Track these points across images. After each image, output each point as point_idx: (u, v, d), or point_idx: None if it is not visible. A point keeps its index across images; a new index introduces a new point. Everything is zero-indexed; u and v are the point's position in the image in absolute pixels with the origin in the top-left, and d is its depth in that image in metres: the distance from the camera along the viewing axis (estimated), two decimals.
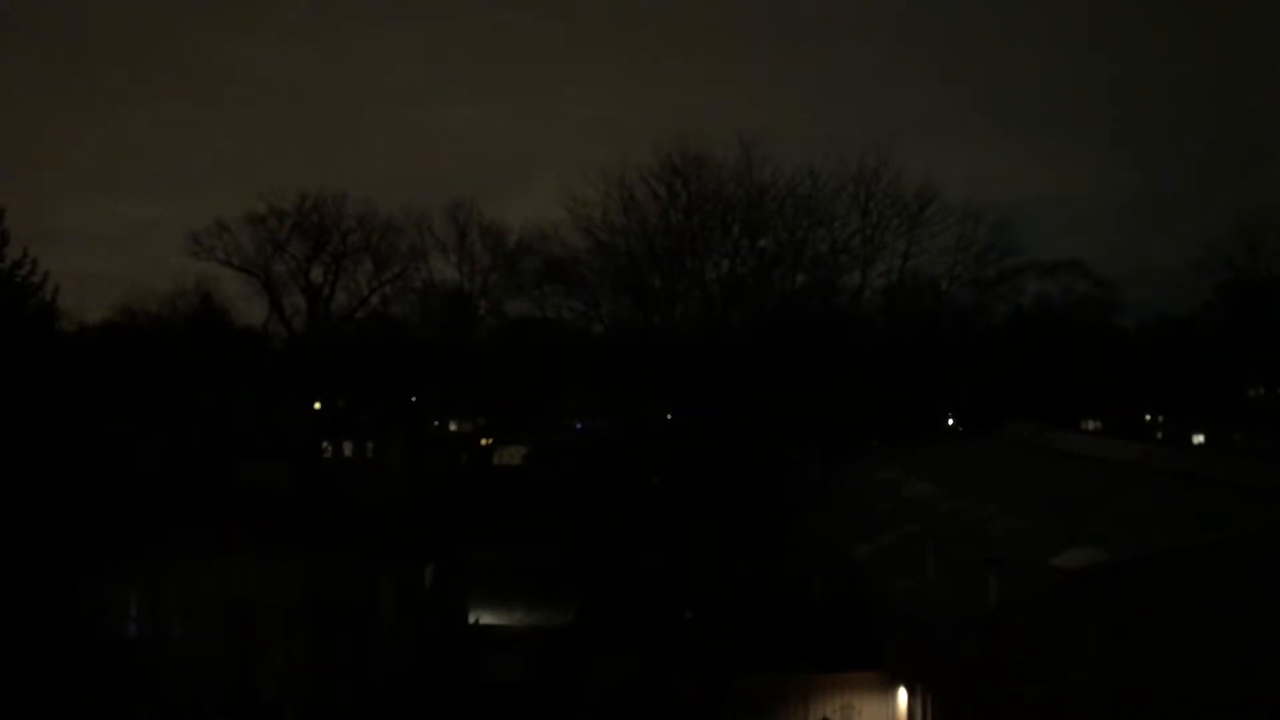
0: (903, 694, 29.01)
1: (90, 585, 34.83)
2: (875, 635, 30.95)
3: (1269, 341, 76.43)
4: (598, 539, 40.46)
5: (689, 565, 33.95)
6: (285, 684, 33.04)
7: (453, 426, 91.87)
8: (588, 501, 43.73)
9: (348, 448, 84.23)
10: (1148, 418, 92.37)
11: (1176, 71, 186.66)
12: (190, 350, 74.26)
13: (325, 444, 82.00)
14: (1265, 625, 23.38)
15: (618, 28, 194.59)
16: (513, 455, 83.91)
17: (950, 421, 76.18)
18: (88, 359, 58.41)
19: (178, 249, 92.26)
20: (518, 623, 41.85)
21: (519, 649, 37.93)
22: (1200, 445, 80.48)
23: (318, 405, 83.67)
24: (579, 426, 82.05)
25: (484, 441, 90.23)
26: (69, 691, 31.04)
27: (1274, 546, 23.99)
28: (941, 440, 61.38)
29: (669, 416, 47.30)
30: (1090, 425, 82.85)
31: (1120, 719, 23.26)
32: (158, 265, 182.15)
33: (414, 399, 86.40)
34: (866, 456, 50.05)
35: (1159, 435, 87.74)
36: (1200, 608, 23.48)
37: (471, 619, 41.36)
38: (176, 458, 60.60)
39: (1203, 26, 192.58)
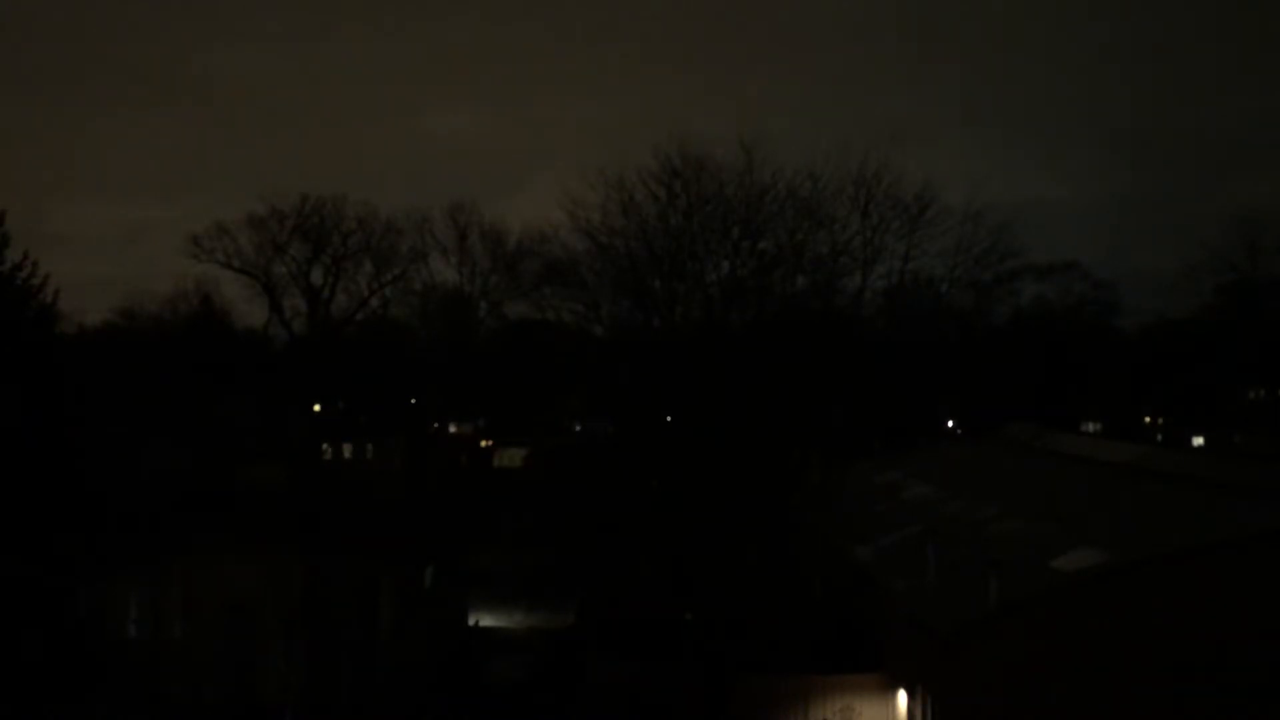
0: (903, 696, 29.00)
1: (90, 586, 34.83)
2: (875, 637, 30.94)
3: (1269, 343, 76.41)
4: (598, 541, 40.45)
5: (689, 567, 33.93)
6: (285, 685, 33.02)
7: (453, 428, 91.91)
8: (588, 503, 43.72)
9: (348, 449, 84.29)
10: (1147, 419, 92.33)
11: (1175, 73, 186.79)
12: (190, 352, 74.29)
13: (325, 445, 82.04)
14: (1265, 627, 23.39)
15: (617, 30, 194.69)
16: (513, 457, 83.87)
17: (950, 423, 76.20)
18: (88, 361, 58.44)
19: (177, 251, 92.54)
20: (518, 624, 41.83)
21: (519, 651, 37.92)
22: (1200, 447, 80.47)
23: (318, 407, 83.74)
24: (579, 428, 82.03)
25: (484, 443, 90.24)
26: (69, 693, 31.03)
27: (1274, 548, 24.00)
28: (941, 442, 61.39)
29: (669, 419, 47.26)
30: (1090, 427, 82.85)
31: None
32: (157, 268, 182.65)
33: (414, 401, 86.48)
34: (867, 458, 50.03)
35: (1159, 437, 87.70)
36: (1200, 609, 23.48)
37: (471, 621, 41.33)
38: (177, 459, 60.52)
39: (1201, 27, 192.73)
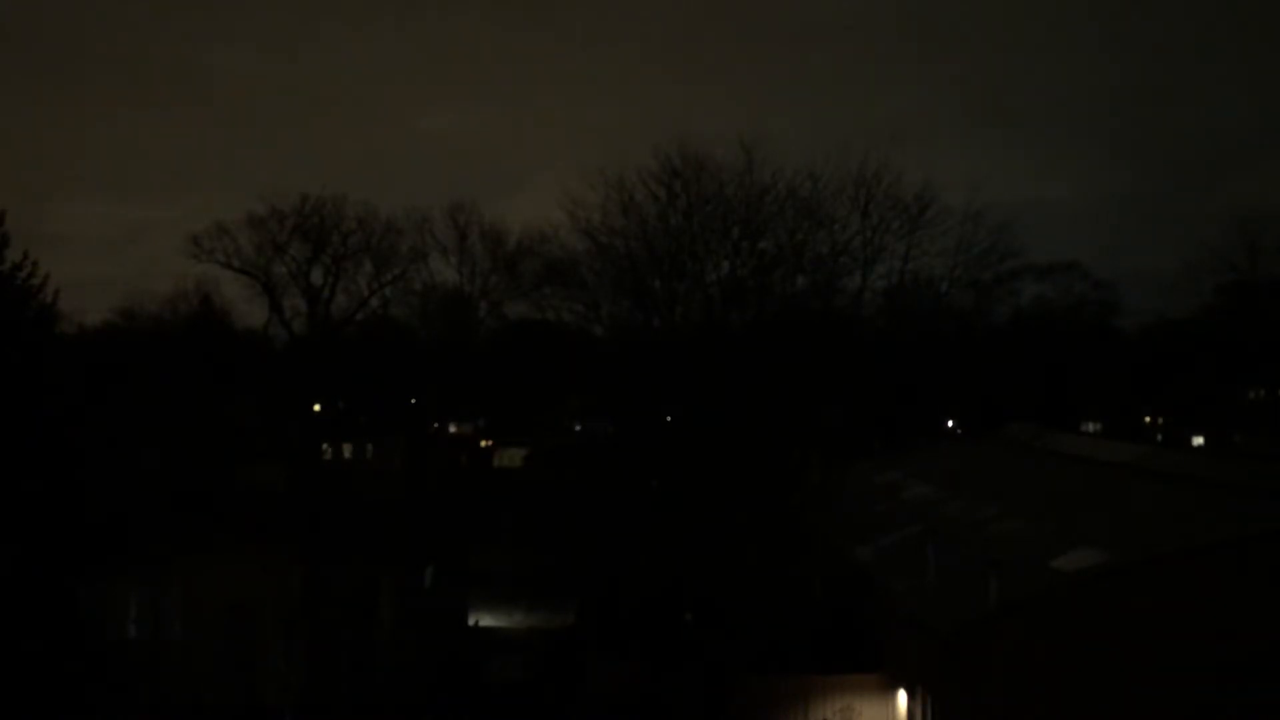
0: (902, 696, 29.00)
1: (90, 586, 34.86)
2: (875, 637, 30.94)
3: (1269, 343, 76.40)
4: (597, 541, 40.44)
5: (689, 567, 33.95)
6: (285, 685, 33.05)
7: (453, 428, 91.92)
8: (588, 503, 43.72)
9: (348, 449, 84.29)
10: (1147, 419, 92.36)
11: (1175, 73, 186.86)
12: (190, 352, 74.27)
13: (325, 446, 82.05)
14: (1265, 628, 23.39)
15: (617, 30, 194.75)
16: (513, 457, 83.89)
17: (950, 423, 76.18)
18: (88, 361, 58.46)
19: (178, 251, 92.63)
20: (517, 624, 41.80)
21: (519, 651, 37.91)
22: (1200, 447, 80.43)
23: (318, 407, 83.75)
24: (579, 428, 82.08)
25: (484, 443, 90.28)
26: (69, 693, 31.04)
27: (1274, 548, 24.00)
28: (942, 442, 61.36)
29: (669, 419, 47.29)
30: (1090, 427, 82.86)
31: None
32: (157, 268, 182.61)
33: (414, 401, 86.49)
34: (867, 458, 50.02)
35: (1159, 437, 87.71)
36: (1200, 609, 23.49)
37: (471, 621, 41.33)
38: (176, 459, 60.58)
39: (1201, 27, 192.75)
